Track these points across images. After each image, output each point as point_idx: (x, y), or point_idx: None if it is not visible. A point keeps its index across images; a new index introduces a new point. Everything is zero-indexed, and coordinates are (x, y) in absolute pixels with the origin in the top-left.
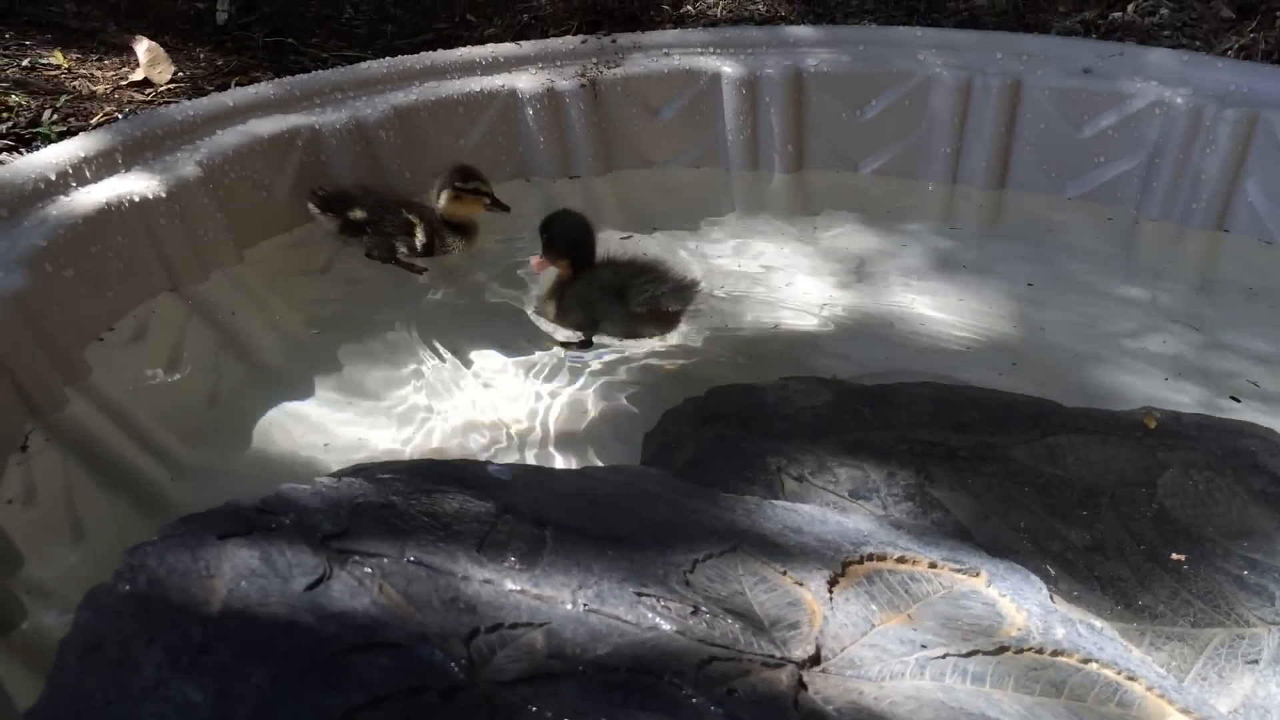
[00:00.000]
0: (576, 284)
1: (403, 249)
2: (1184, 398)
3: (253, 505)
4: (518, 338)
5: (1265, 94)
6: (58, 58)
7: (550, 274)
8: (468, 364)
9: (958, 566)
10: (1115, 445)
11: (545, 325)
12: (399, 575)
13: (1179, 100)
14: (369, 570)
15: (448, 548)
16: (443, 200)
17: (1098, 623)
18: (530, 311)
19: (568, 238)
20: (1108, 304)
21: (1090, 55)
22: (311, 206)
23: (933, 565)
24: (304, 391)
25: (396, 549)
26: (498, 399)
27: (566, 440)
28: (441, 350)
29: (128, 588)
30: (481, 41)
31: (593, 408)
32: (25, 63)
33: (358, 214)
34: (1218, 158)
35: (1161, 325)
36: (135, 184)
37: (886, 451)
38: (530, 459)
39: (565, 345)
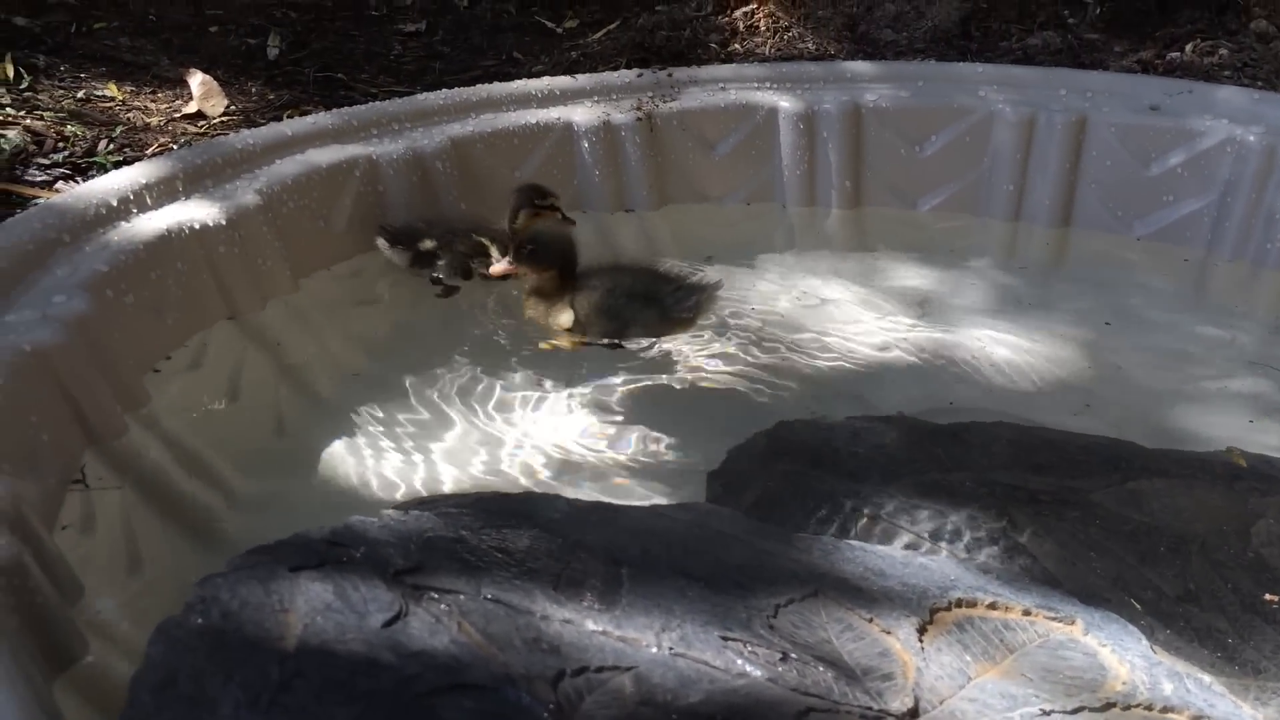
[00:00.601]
0: (593, 294)
1: (481, 270)
2: (1270, 439)
3: (322, 537)
4: (573, 370)
5: None
6: (112, 90)
7: (535, 292)
8: (523, 396)
9: (1052, 615)
10: (1203, 490)
11: (558, 338)
12: (477, 613)
13: (1251, 138)
14: (445, 607)
15: (524, 585)
16: (521, 218)
17: (1205, 676)
18: (529, 314)
19: (559, 250)
20: (1182, 344)
21: (1158, 92)
22: (381, 242)
23: (1026, 613)
24: (360, 422)
25: (472, 586)
26: (554, 432)
27: (628, 475)
28: (497, 382)
29: (200, 621)
30: (529, 79)
31: (653, 442)
32: (80, 94)
33: (428, 244)
34: None
35: (1239, 366)
36: (195, 211)
37: (965, 494)
38: (592, 495)
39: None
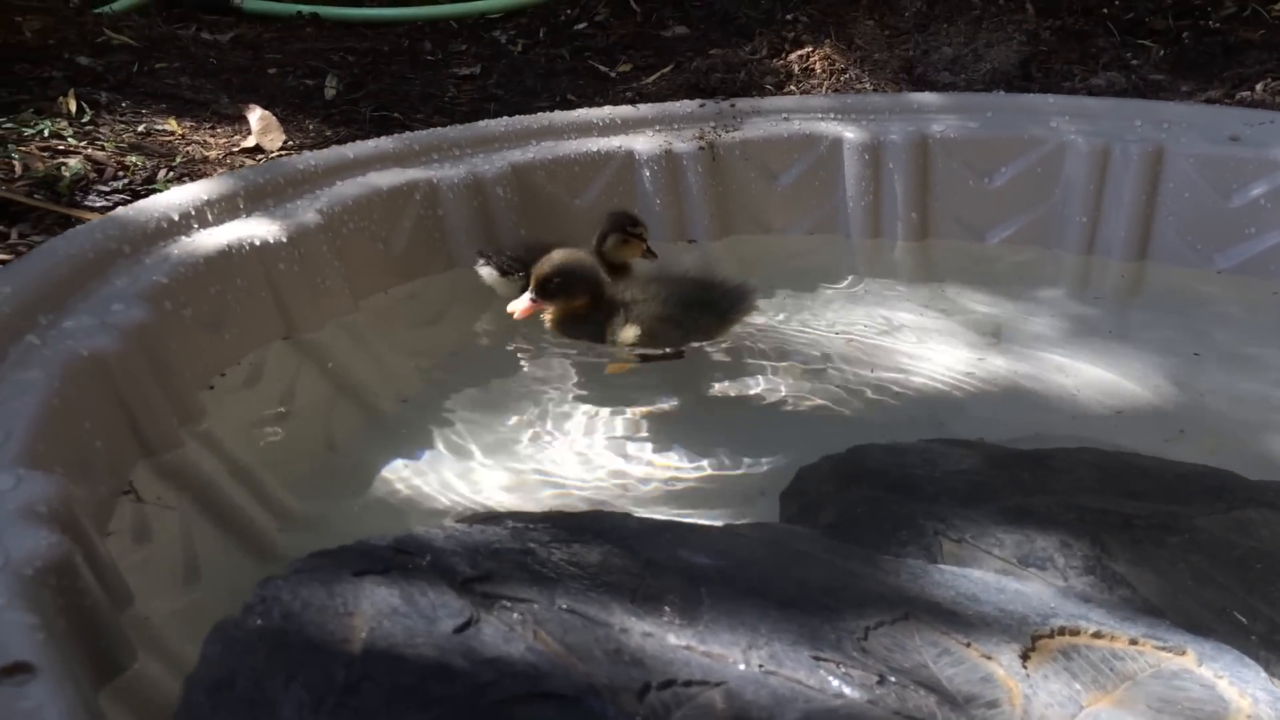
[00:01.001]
0: (650, 305)
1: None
2: None
3: (386, 544)
4: (631, 396)
5: None
6: (172, 125)
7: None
8: (584, 417)
9: (1161, 645)
10: None
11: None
12: (553, 622)
13: None
14: (518, 616)
15: (600, 598)
16: (610, 242)
17: None
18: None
19: (589, 279)
20: (1272, 375)
21: (1237, 123)
22: (487, 270)
23: (1133, 642)
24: (417, 443)
25: (545, 596)
26: (617, 453)
27: (696, 495)
28: (557, 404)
29: (259, 622)
30: (591, 108)
31: (720, 463)
32: (141, 128)
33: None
34: None
35: None
36: (256, 228)
37: (1053, 519)
38: (660, 514)
39: (646, 359)
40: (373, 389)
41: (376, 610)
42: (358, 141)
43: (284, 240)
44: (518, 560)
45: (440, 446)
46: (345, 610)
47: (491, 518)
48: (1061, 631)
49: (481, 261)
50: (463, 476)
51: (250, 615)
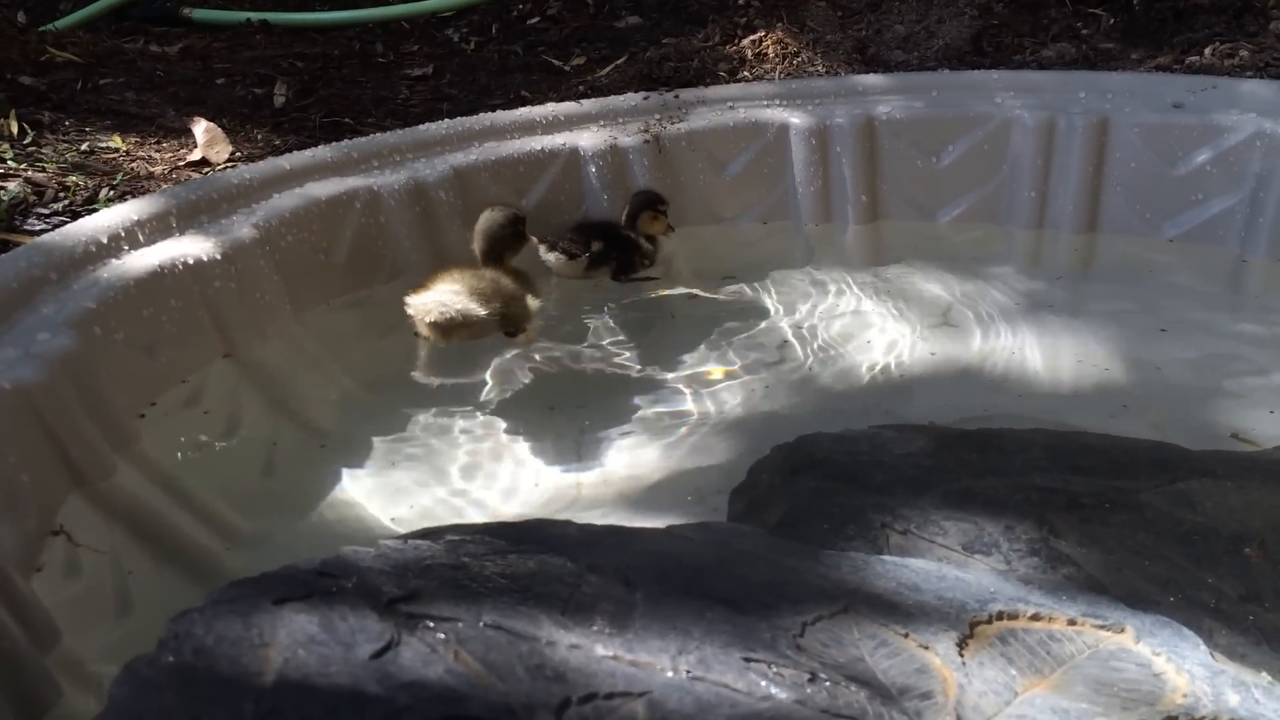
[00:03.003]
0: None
1: (644, 261)
2: None
3: (311, 568)
4: (582, 396)
5: None
6: (116, 141)
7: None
8: (532, 424)
9: (1100, 623)
10: (1255, 489)
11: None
12: (476, 641)
13: None
14: (442, 636)
15: (529, 610)
16: (643, 219)
17: (1275, 683)
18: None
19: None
20: (1220, 344)
21: (1180, 90)
22: (553, 256)
23: (1072, 622)
24: (364, 458)
25: (471, 613)
26: (566, 458)
27: (645, 498)
28: (508, 410)
29: (171, 659)
30: (533, 106)
31: (670, 463)
32: (84, 147)
33: (597, 246)
34: None
35: None
36: (190, 247)
37: (1001, 501)
38: (607, 521)
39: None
40: (317, 404)
41: (293, 639)
42: (295, 152)
43: (219, 257)
44: (448, 576)
45: (388, 459)
46: (260, 641)
47: (429, 533)
48: (1000, 616)
49: (545, 248)
50: (408, 490)
51: (163, 652)
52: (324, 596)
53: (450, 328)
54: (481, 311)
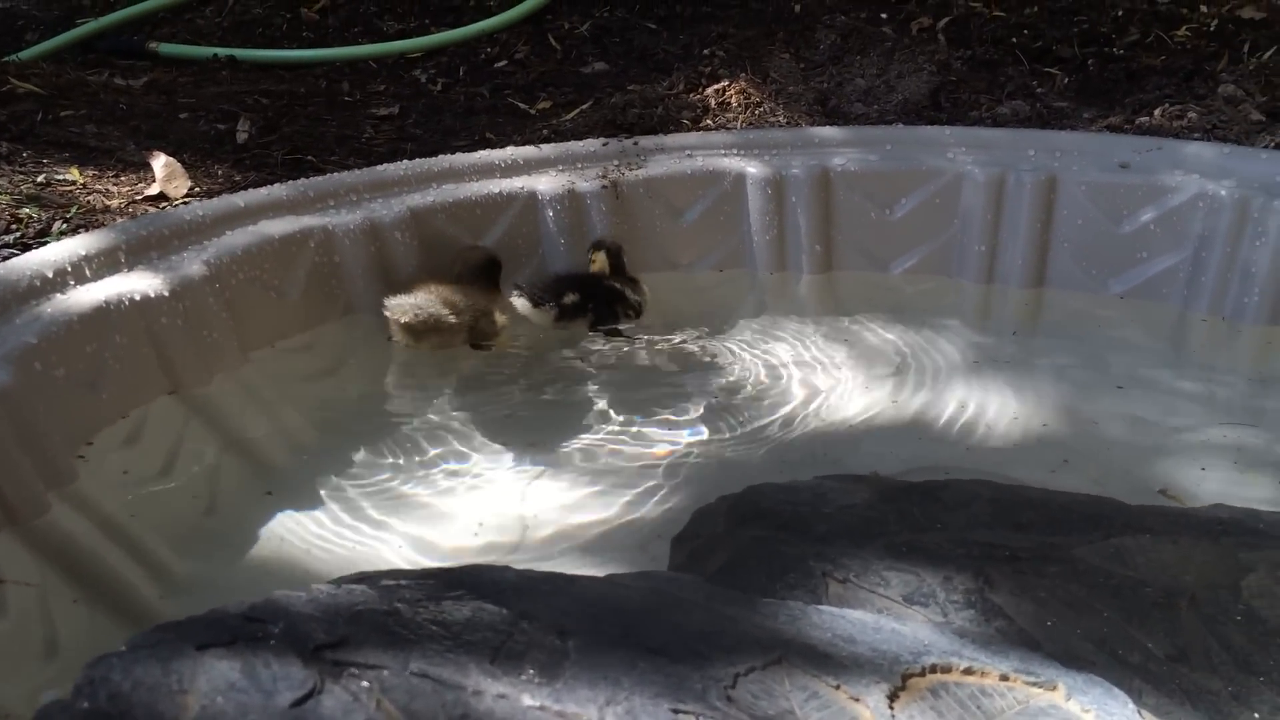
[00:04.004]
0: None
1: (630, 313)
2: (1254, 493)
3: (239, 612)
4: (531, 440)
5: None
6: (73, 174)
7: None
8: (480, 466)
9: (1032, 679)
10: (1189, 544)
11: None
12: (400, 689)
13: (1222, 193)
14: (366, 684)
15: (457, 659)
16: (603, 264)
17: None
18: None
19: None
20: (1161, 400)
21: (1126, 150)
22: (522, 302)
23: (1004, 678)
24: (308, 499)
25: (399, 660)
26: (512, 502)
27: (589, 544)
28: (456, 453)
29: (86, 705)
30: (494, 149)
31: (617, 509)
32: (40, 179)
33: (571, 298)
34: (1269, 251)
35: (1220, 420)
36: (137, 283)
37: (941, 554)
38: (549, 567)
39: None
40: (263, 443)
41: (212, 686)
42: (250, 190)
43: (166, 294)
44: (379, 623)
45: (332, 501)
46: (179, 688)
47: (365, 576)
48: (933, 669)
49: (516, 293)
50: (351, 532)
51: (78, 698)
52: (249, 642)
53: (422, 331)
54: (451, 319)
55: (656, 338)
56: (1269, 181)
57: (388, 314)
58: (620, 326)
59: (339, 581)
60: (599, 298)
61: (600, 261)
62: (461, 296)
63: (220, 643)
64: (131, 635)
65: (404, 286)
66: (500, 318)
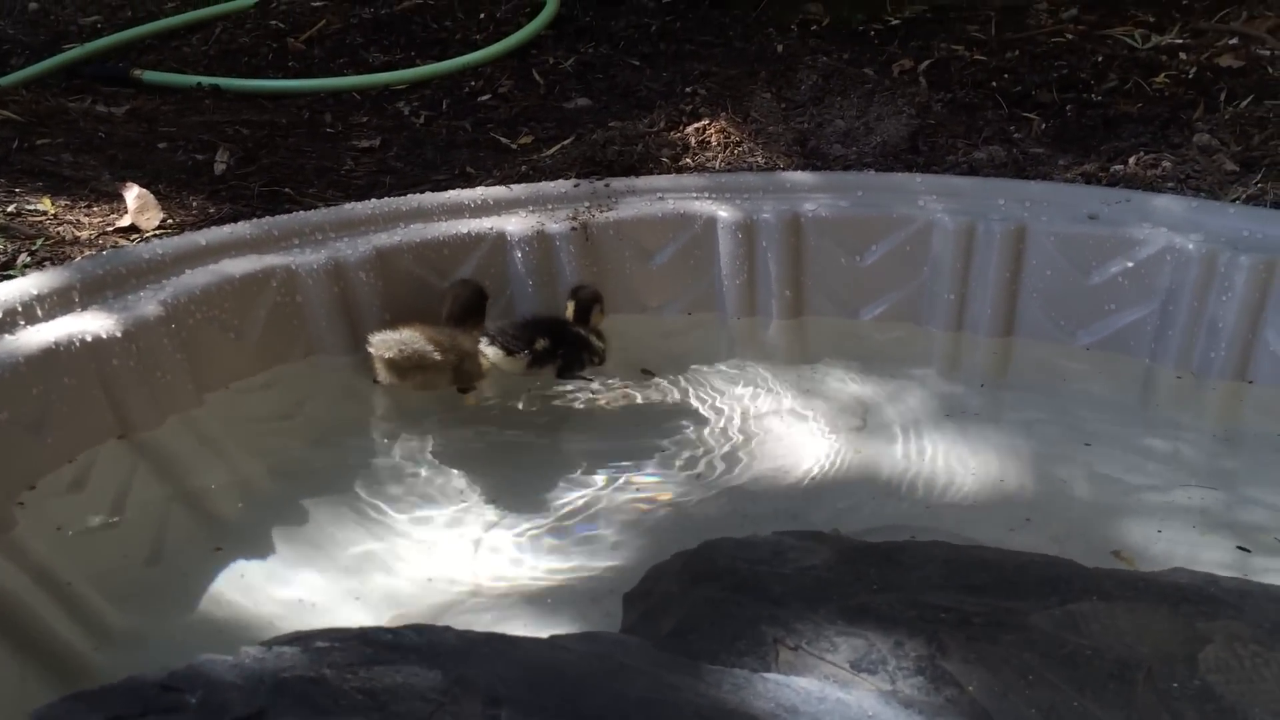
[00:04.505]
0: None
1: (594, 359)
2: (1214, 556)
3: (157, 681)
4: (488, 490)
5: None
6: (45, 204)
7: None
8: (434, 518)
9: None
10: (1146, 613)
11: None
12: None
13: (1190, 246)
14: None
15: None
16: (595, 315)
17: None
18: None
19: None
20: (1126, 457)
21: (1096, 201)
22: (494, 350)
23: None
24: (258, 549)
25: None
26: (465, 558)
27: (541, 600)
28: (411, 506)
29: None
30: (463, 189)
31: (572, 564)
32: (11, 208)
33: (542, 344)
34: (1235, 305)
35: (1184, 479)
36: (89, 323)
37: (894, 618)
38: (496, 624)
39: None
40: (212, 491)
41: None
42: (213, 228)
43: (119, 335)
44: (302, 691)
45: (281, 553)
46: None
47: (299, 637)
48: None
49: (485, 341)
50: (300, 586)
51: None
52: (161, 714)
53: (406, 367)
54: (436, 356)
55: (622, 383)
56: (1236, 236)
57: (371, 350)
58: (585, 374)
59: (271, 643)
60: (567, 343)
61: (597, 315)
62: (447, 336)
63: (132, 714)
64: (66, 692)
65: (384, 326)
66: (485, 362)
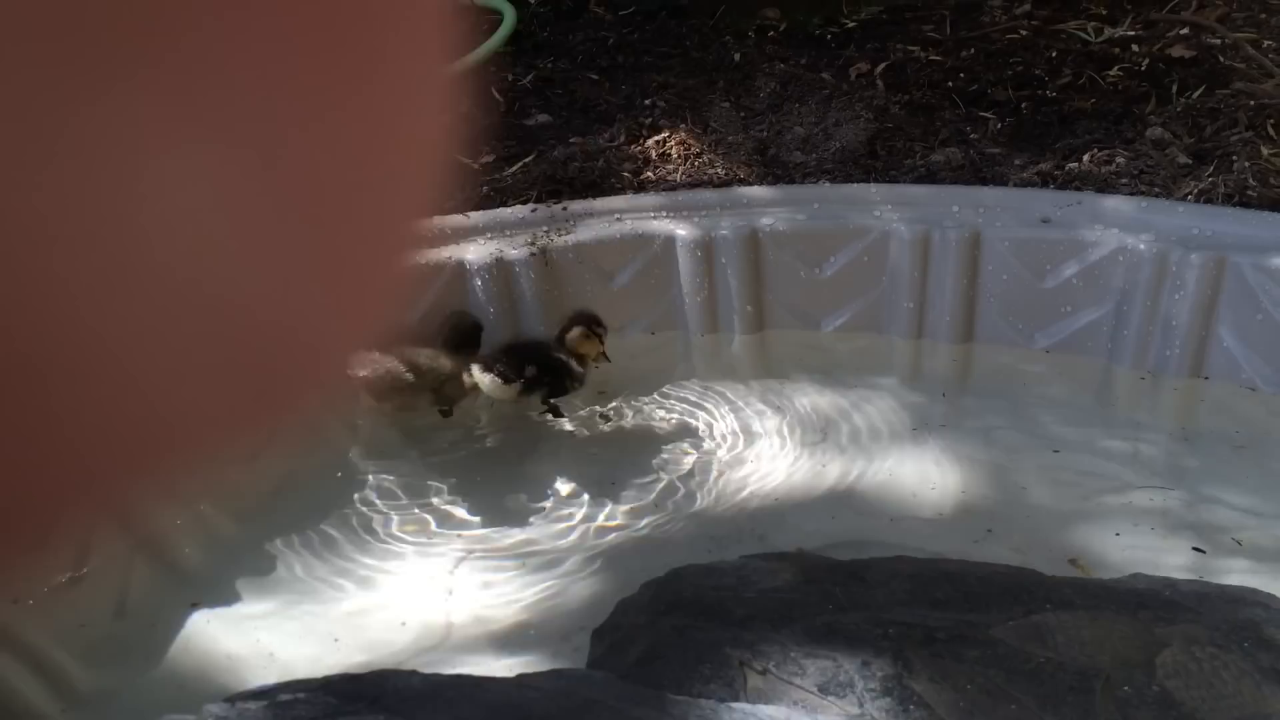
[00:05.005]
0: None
1: (574, 384)
2: (1174, 560)
3: None
4: (457, 526)
5: (1230, 236)
6: None
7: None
8: (406, 560)
9: None
10: (1108, 620)
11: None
12: None
13: (1142, 246)
14: None
15: None
16: (574, 334)
17: None
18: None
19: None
20: (1086, 461)
21: (1048, 205)
22: (489, 379)
23: None
24: (225, 598)
25: None
26: (438, 597)
27: (511, 639)
28: (378, 547)
29: None
30: (441, 214)
31: (539, 599)
32: None
33: (530, 370)
34: (1188, 303)
35: (1144, 481)
36: None
37: (860, 637)
38: (467, 665)
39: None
40: (177, 539)
41: None
42: None
43: None
44: None
45: (250, 601)
46: None
47: (262, 692)
48: None
49: (479, 369)
50: (270, 633)
51: None
52: None
53: (381, 389)
54: (409, 377)
55: (591, 408)
56: (1186, 234)
57: (349, 370)
58: (566, 399)
59: (235, 699)
60: (552, 370)
61: (594, 347)
62: (428, 357)
63: None
64: None
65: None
66: (469, 380)
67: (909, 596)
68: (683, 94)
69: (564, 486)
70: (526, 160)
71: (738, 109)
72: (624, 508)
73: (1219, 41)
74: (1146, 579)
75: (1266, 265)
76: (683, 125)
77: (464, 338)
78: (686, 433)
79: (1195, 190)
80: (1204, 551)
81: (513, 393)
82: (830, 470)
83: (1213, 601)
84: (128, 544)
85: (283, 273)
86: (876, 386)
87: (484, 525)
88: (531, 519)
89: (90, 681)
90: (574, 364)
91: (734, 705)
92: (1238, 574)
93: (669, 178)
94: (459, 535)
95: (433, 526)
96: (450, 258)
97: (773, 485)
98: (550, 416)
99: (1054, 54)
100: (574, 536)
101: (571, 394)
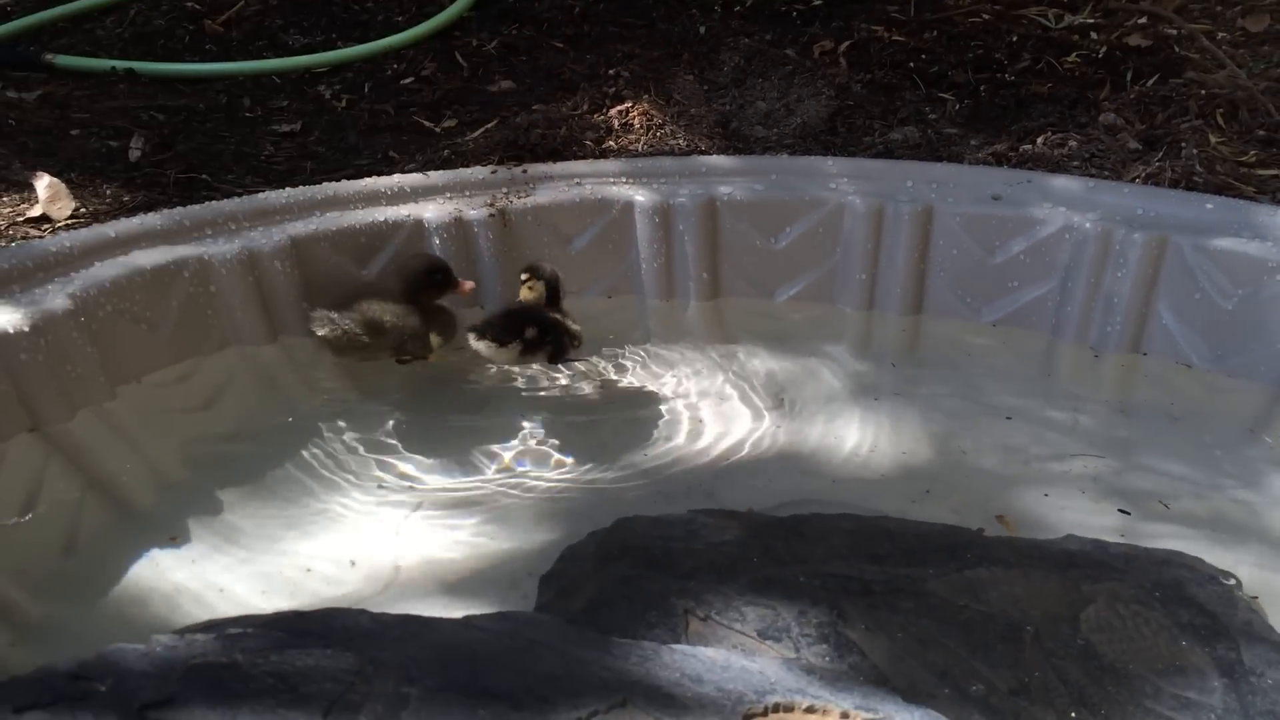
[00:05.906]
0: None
1: (574, 342)
2: (1105, 521)
3: (67, 670)
4: (409, 473)
5: (1172, 218)
6: None
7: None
8: (355, 504)
9: (872, 716)
10: (1039, 577)
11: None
12: None
13: (1088, 225)
14: None
15: (289, 713)
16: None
17: None
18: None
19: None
20: (1027, 429)
21: (999, 183)
22: (484, 345)
23: (845, 715)
24: (175, 538)
25: (227, 717)
26: (385, 541)
27: (459, 583)
28: (330, 490)
29: None
30: (379, 176)
31: (490, 546)
32: None
33: (531, 332)
34: (1129, 281)
35: (1081, 449)
36: None
37: (798, 588)
38: (414, 607)
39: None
40: (128, 481)
41: None
42: (122, 219)
43: (26, 329)
44: (214, 677)
45: (199, 541)
46: None
47: (211, 625)
48: (776, 708)
49: (474, 336)
50: (217, 574)
51: None
52: (71, 703)
53: (338, 346)
54: (365, 339)
55: (536, 366)
56: (1130, 214)
57: (310, 325)
58: (573, 357)
59: (183, 631)
60: (552, 329)
61: (538, 290)
62: (391, 315)
63: (41, 704)
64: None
65: (282, 320)
66: (435, 339)
67: (849, 551)
68: (647, 65)
69: (518, 441)
70: (489, 126)
71: (701, 82)
72: (575, 463)
73: (1175, 32)
74: (1078, 540)
75: (1206, 246)
76: (646, 96)
77: (417, 286)
78: (641, 394)
79: (1143, 174)
80: (1129, 514)
81: (511, 355)
82: (780, 433)
83: (1140, 562)
84: (77, 486)
85: None
86: (828, 355)
87: (436, 474)
88: (484, 470)
89: (40, 615)
90: (569, 322)
91: (675, 646)
92: (1170, 539)
93: (631, 148)
94: (410, 484)
95: (384, 475)
96: (409, 216)
97: (724, 446)
98: (561, 371)
99: (1014, 39)
100: (524, 488)
101: (572, 352)
